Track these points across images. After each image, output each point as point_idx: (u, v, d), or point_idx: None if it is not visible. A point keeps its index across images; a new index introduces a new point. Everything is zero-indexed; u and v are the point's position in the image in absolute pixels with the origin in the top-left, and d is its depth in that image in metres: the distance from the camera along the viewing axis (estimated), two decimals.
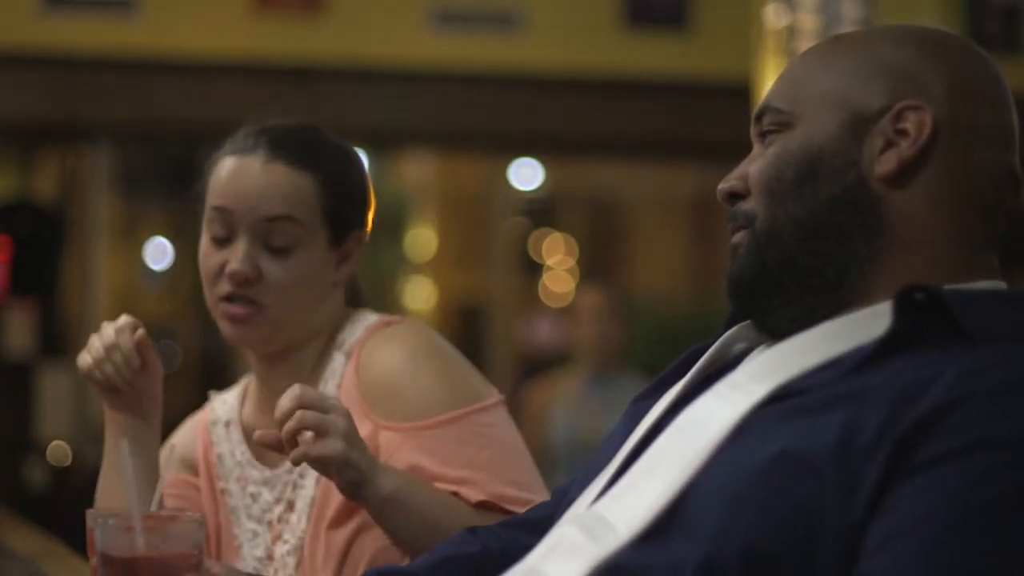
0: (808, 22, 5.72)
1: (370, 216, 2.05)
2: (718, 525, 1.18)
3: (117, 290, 8.06)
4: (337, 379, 1.97)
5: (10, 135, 7.90)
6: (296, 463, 1.71)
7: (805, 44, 5.69)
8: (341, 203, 2.00)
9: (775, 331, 1.37)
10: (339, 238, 2.00)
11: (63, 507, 6.28)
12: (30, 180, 8.72)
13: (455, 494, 1.86)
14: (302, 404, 1.68)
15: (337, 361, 1.98)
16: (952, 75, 1.35)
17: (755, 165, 1.38)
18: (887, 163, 1.33)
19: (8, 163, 8.69)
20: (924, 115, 1.33)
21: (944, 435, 1.15)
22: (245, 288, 1.93)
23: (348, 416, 1.72)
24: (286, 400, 1.69)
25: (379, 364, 1.94)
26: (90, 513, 1.55)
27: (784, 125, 1.38)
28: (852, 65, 1.37)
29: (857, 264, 1.33)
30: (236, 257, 1.93)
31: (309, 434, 1.68)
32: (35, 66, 7.13)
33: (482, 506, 1.84)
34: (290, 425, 1.68)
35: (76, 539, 2.00)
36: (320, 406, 1.69)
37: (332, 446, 1.68)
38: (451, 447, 1.88)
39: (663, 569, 1.18)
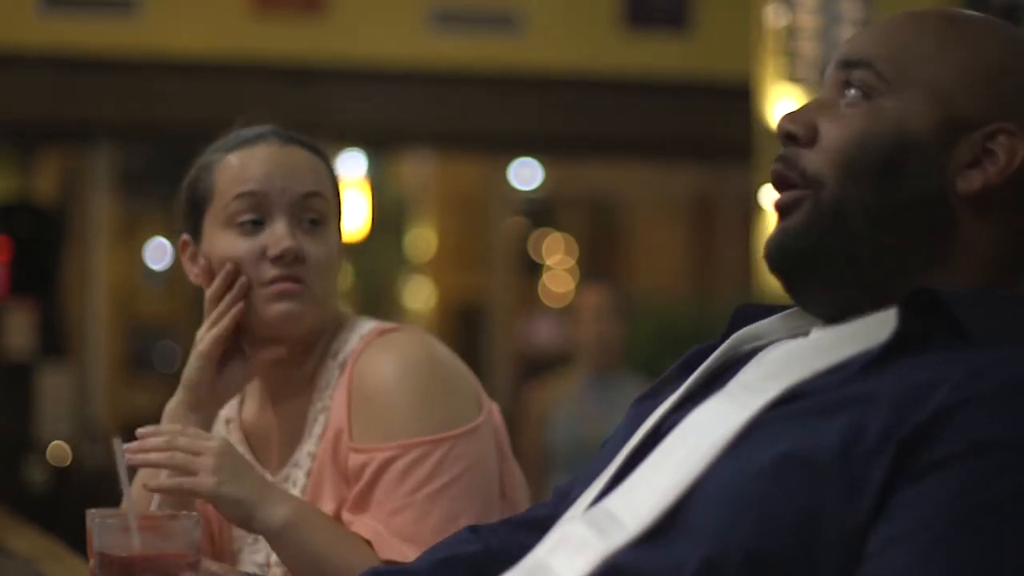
0: (808, 22, 5.72)
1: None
2: (720, 526, 1.17)
3: (117, 290, 8.07)
4: (330, 390, 1.94)
5: (10, 135, 7.90)
6: (172, 496, 1.80)
7: (805, 44, 5.69)
8: (340, 193, 2.02)
9: (807, 307, 1.34)
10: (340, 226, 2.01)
11: (63, 507, 6.28)
12: (30, 180, 8.72)
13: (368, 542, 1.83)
14: (172, 446, 1.78)
15: (331, 370, 1.95)
16: None
17: (835, 129, 1.31)
18: (973, 182, 1.29)
19: (8, 163, 8.69)
20: (1017, 144, 1.29)
21: (947, 438, 1.15)
22: (293, 267, 1.91)
23: (223, 452, 1.78)
24: (159, 440, 1.79)
25: (367, 384, 1.91)
26: (89, 513, 1.54)
27: (876, 91, 1.31)
28: (965, 63, 1.31)
29: (909, 272, 1.30)
30: (280, 236, 1.90)
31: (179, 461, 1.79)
32: (35, 66, 7.13)
33: (390, 564, 1.79)
34: (163, 480, 1.78)
35: (76, 539, 2.00)
36: (191, 448, 1.78)
37: (199, 482, 1.77)
38: (398, 478, 1.84)
39: (664, 569, 1.17)
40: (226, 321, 1.89)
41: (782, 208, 1.32)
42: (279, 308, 1.90)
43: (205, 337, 1.90)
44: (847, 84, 1.33)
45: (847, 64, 1.33)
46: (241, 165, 1.93)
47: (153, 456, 1.77)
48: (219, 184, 1.94)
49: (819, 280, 1.32)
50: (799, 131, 1.32)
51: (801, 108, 1.34)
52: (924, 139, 1.29)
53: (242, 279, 1.89)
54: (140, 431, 1.81)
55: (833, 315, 1.32)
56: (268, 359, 1.96)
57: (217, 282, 1.90)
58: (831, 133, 1.31)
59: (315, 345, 1.96)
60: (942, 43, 1.32)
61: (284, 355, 1.95)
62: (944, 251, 1.30)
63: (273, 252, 1.90)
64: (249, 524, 1.79)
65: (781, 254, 1.32)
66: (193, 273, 1.97)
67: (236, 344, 1.92)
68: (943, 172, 1.29)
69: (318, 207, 1.94)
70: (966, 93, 1.30)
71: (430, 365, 1.92)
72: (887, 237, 1.29)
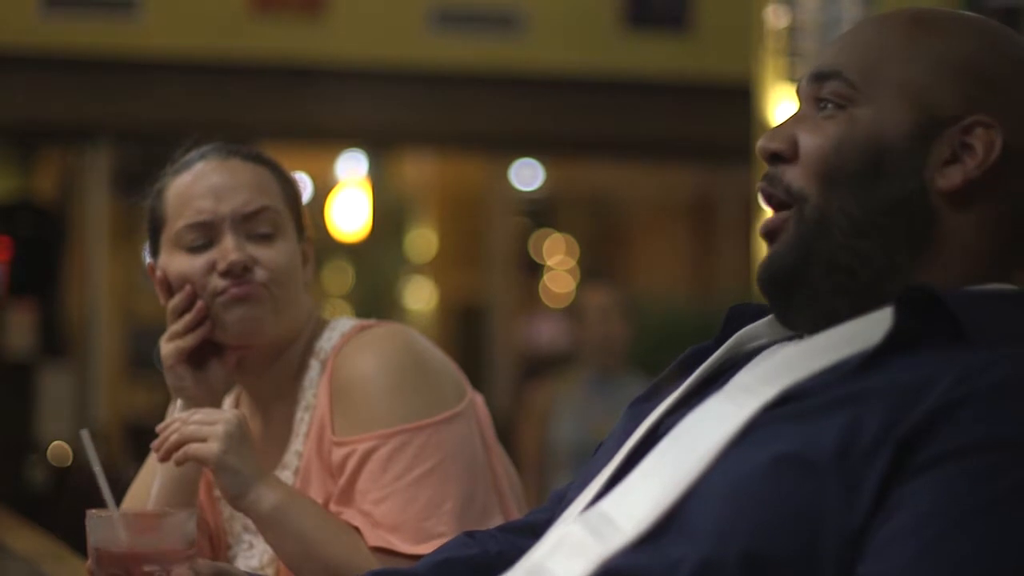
0: (808, 22, 5.72)
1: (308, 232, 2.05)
2: (718, 527, 1.17)
3: (117, 290, 8.06)
4: (314, 388, 1.96)
5: (10, 135, 7.90)
6: (178, 463, 1.81)
7: (805, 44, 5.69)
8: (296, 198, 2.02)
9: (794, 326, 1.34)
10: (299, 233, 2.01)
11: (63, 507, 6.28)
12: (30, 180, 8.72)
13: (358, 529, 1.85)
14: (186, 423, 1.81)
15: (314, 369, 1.97)
16: None
17: (813, 140, 1.31)
18: (952, 178, 1.28)
19: (8, 163, 8.69)
20: (994, 135, 1.28)
21: (944, 436, 1.15)
22: (244, 277, 1.92)
23: (236, 424, 1.80)
24: (175, 424, 1.82)
25: (346, 377, 1.93)
26: (89, 513, 1.55)
27: (849, 100, 1.31)
28: (936, 59, 1.30)
29: (893, 273, 1.29)
30: (228, 250, 1.92)
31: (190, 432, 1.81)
32: (35, 66, 7.13)
33: (378, 551, 1.83)
34: (173, 439, 1.80)
35: (76, 539, 2.00)
36: (205, 420, 1.81)
37: (206, 448, 1.79)
38: (380, 468, 1.86)
39: (661, 570, 1.17)
40: (189, 339, 1.92)
41: (768, 234, 1.33)
42: (235, 314, 1.92)
43: (167, 348, 1.93)
44: (820, 99, 1.32)
45: (818, 77, 1.33)
46: (186, 191, 1.95)
47: (172, 438, 1.80)
48: (168, 211, 1.96)
49: (805, 294, 1.31)
50: (781, 147, 1.32)
51: (779, 125, 1.34)
52: (900, 142, 1.29)
53: (199, 304, 1.92)
54: (158, 428, 1.84)
55: (817, 328, 1.31)
56: (244, 356, 1.98)
57: (178, 298, 1.93)
58: (809, 145, 1.31)
59: (295, 346, 1.98)
60: (909, 41, 1.32)
61: (264, 353, 1.97)
62: (928, 248, 1.29)
63: (221, 267, 1.92)
64: (240, 500, 1.80)
65: (770, 277, 1.33)
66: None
67: (206, 344, 1.94)
68: (921, 172, 1.28)
69: (268, 220, 1.95)
70: (939, 89, 1.29)
71: (408, 355, 1.94)
72: (869, 243, 1.29)
